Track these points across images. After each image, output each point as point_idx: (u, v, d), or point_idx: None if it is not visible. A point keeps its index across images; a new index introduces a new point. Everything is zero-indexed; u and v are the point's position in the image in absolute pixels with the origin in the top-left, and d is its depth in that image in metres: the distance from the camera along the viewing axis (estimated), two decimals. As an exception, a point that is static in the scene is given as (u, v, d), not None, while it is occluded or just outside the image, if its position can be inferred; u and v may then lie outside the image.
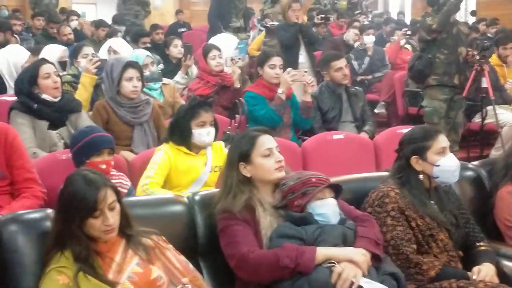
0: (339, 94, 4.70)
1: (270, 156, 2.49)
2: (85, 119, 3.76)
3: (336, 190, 2.48)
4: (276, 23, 6.96)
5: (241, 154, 2.50)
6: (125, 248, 2.24)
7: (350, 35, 7.96)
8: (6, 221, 2.33)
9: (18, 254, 2.24)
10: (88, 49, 4.93)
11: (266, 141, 2.52)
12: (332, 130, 4.49)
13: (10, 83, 4.84)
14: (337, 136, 4.21)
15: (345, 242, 2.37)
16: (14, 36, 7.18)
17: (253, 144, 2.50)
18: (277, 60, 4.50)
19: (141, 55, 4.79)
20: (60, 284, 2.09)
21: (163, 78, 4.93)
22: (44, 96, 3.59)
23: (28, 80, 3.60)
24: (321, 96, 4.66)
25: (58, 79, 3.64)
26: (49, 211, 2.38)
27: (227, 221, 2.40)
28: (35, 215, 2.40)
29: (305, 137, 4.53)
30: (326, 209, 2.40)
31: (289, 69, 4.50)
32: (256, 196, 2.47)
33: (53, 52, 4.95)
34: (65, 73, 4.84)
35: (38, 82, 3.58)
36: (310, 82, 4.43)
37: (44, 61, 3.72)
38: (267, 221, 2.42)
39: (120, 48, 5.36)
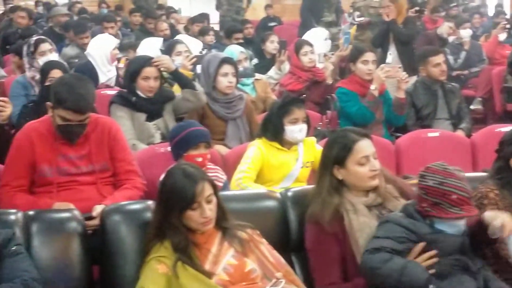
0: (435, 91, 4.58)
1: (365, 164, 2.41)
2: None
3: None
4: (362, 18, 6.88)
5: (336, 158, 2.44)
6: (221, 240, 2.31)
7: (444, 28, 7.71)
8: (110, 211, 2.47)
9: (120, 243, 2.37)
10: (181, 47, 5.04)
11: (364, 148, 2.43)
12: (426, 127, 4.39)
13: (102, 70, 5.06)
14: (432, 134, 4.11)
15: (463, 252, 2.28)
16: (117, 32, 7.50)
17: (351, 149, 2.42)
18: (370, 56, 4.44)
19: (235, 51, 4.88)
20: (159, 273, 2.19)
21: (256, 74, 5.00)
22: (139, 93, 3.76)
23: (130, 75, 3.78)
24: (415, 92, 4.56)
25: (154, 84, 3.74)
26: (150, 202, 2.49)
27: (316, 237, 2.41)
28: (137, 206, 2.53)
29: (398, 134, 4.46)
30: (453, 229, 2.27)
31: (382, 65, 4.44)
32: (347, 198, 2.42)
33: (153, 45, 5.12)
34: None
35: (137, 80, 3.74)
36: (404, 78, 4.35)
37: (149, 63, 3.79)
38: (360, 222, 2.37)
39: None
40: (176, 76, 3.90)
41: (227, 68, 3.98)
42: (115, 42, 5.24)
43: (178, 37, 5.90)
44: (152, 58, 3.91)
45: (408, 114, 4.49)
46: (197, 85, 3.92)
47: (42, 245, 2.32)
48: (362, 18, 7.08)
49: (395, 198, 2.45)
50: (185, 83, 3.84)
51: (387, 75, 4.34)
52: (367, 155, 2.43)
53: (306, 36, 5.88)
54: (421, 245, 2.25)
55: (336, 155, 2.44)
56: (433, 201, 2.24)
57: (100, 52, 5.05)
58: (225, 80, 3.98)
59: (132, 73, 3.77)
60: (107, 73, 5.05)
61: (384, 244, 2.25)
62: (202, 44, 5.84)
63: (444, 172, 2.26)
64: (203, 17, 8.53)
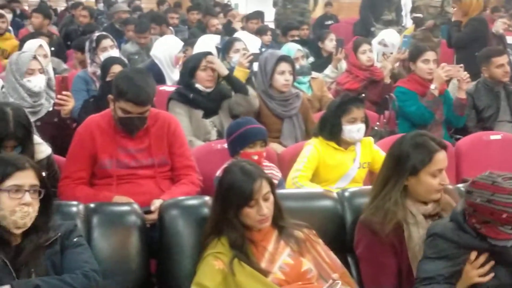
0: (497, 92, 4.45)
1: (437, 176, 2.32)
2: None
3: None
4: (420, 15, 6.76)
5: (413, 166, 2.31)
6: (277, 239, 2.30)
7: (498, 25, 7.46)
8: (168, 206, 2.49)
9: (178, 237, 2.39)
10: (239, 44, 5.03)
11: (442, 160, 2.33)
12: (487, 129, 4.27)
13: (168, 72, 5.11)
14: (494, 136, 3.98)
15: None
16: (169, 29, 7.59)
17: (430, 160, 2.31)
18: (431, 55, 4.34)
19: (293, 48, 4.85)
20: (216, 269, 2.20)
21: (312, 72, 4.96)
22: (198, 86, 3.79)
23: (189, 71, 3.82)
24: (477, 93, 4.44)
25: (213, 72, 3.80)
26: (207, 198, 2.51)
27: (372, 247, 2.33)
28: (194, 201, 2.55)
29: (458, 136, 4.36)
30: (508, 243, 2.13)
31: (443, 64, 4.34)
32: (408, 208, 2.34)
33: (209, 42, 5.15)
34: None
35: (196, 73, 3.78)
36: (465, 78, 4.24)
37: (207, 54, 3.89)
38: (419, 235, 2.30)
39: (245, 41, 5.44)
40: (229, 80, 3.90)
41: (284, 66, 3.97)
42: (180, 45, 5.23)
43: (237, 34, 5.91)
44: (209, 52, 3.95)
45: (469, 115, 4.39)
46: (250, 89, 3.90)
47: (102, 237, 2.36)
48: (419, 15, 6.95)
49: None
50: (238, 88, 3.85)
51: (448, 74, 4.24)
52: (441, 168, 2.34)
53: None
54: (474, 254, 2.15)
55: (413, 163, 2.32)
56: (482, 219, 2.09)
57: (165, 54, 5.11)
58: (282, 78, 3.97)
59: (191, 69, 3.81)
60: (171, 74, 5.09)
61: (438, 272, 2.16)
62: (260, 41, 5.82)
63: (492, 186, 2.07)
64: (258, 14, 8.48)
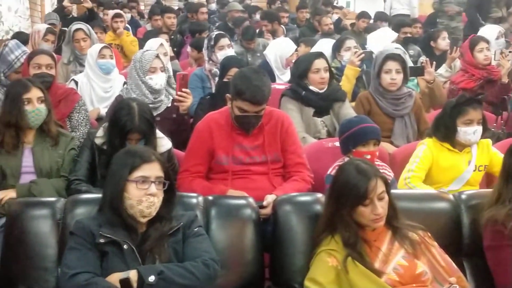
0: None
1: None
2: (347, 108, 3.89)
3: None
4: None
5: None
6: (391, 239, 2.28)
7: None
8: (282, 201, 2.55)
9: (291, 232, 2.43)
10: (350, 42, 5.03)
11: None
12: None
13: (276, 73, 5.18)
14: None
15: None
16: (281, 27, 7.68)
17: None
18: (555, 54, 4.14)
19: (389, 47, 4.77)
20: (329, 266, 2.21)
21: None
22: (311, 88, 3.84)
23: (301, 70, 3.88)
24: None
25: (326, 75, 3.84)
26: (319, 195, 2.54)
27: (498, 240, 2.29)
28: (307, 198, 2.58)
29: None
30: None
31: None
32: None
33: (325, 46, 5.16)
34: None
35: (308, 75, 3.83)
36: None
37: (318, 56, 3.92)
38: None
39: (379, 39, 5.37)
40: None
41: (391, 65, 3.91)
42: (293, 48, 5.26)
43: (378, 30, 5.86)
44: (321, 53, 3.97)
45: None
46: None
47: (219, 229, 2.44)
48: None
49: None
50: None
51: None
52: None
53: (481, 32, 5.58)
54: None
55: None
56: None
57: (277, 56, 5.18)
58: (388, 77, 3.91)
59: (302, 71, 3.86)
60: (281, 76, 5.15)
61: None
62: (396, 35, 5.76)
63: None
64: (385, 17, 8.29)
